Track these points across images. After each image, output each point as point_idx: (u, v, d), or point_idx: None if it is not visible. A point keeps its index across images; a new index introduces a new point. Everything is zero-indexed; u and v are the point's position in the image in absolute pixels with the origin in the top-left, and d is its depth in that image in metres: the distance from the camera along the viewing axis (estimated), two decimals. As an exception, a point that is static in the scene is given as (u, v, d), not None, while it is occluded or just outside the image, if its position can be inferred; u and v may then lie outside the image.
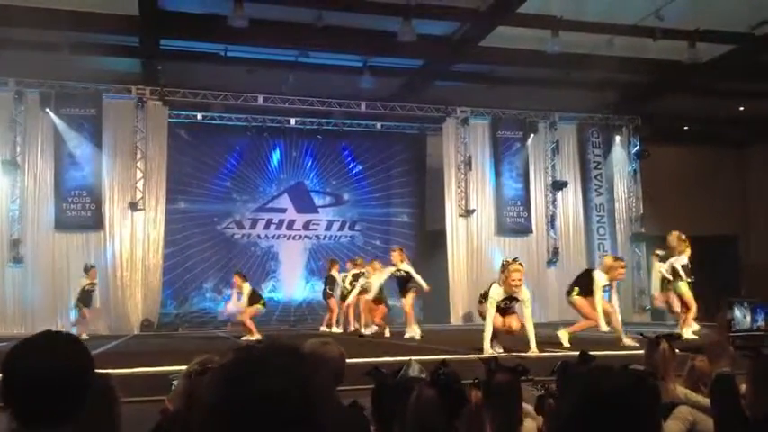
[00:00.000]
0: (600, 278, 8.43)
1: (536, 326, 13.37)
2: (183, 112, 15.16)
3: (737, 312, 1.85)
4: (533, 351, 7.26)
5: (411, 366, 2.22)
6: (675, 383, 3.41)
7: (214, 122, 15.61)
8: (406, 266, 11.11)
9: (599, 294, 8.28)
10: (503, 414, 2.46)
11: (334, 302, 13.02)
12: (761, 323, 1.79)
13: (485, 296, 7.64)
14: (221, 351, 3.06)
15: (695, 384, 3.33)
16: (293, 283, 16.36)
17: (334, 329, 12.66)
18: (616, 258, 9.18)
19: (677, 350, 3.76)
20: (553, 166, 16.49)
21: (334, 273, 13.15)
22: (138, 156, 14.14)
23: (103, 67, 13.46)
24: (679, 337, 4.17)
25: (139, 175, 14.11)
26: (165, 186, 14.35)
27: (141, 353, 8.69)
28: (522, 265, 7.52)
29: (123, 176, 14.07)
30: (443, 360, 2.27)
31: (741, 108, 16.72)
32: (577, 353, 2.92)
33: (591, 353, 2.71)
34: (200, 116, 15.36)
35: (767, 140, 17.92)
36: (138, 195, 14.04)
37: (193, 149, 15.81)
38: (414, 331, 10.87)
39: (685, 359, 3.70)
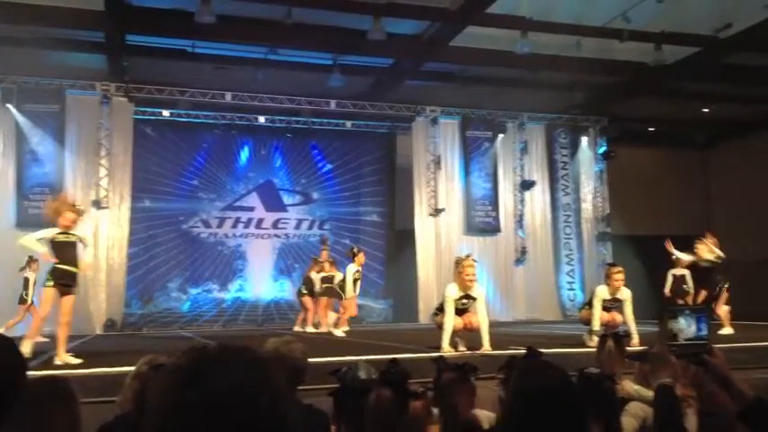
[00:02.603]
0: (599, 291, 8.41)
1: (504, 324, 13.53)
2: (149, 109, 14.93)
3: (682, 321, 1.87)
4: (486, 349, 7.29)
5: (360, 368, 2.19)
6: (624, 380, 3.47)
7: (181, 119, 15.40)
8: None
9: (597, 307, 8.21)
10: (450, 412, 2.45)
11: (309, 301, 12.90)
12: (704, 332, 1.81)
13: (440, 309, 7.67)
14: (169, 351, 3.00)
15: (646, 380, 3.36)
16: (261, 283, 16.24)
17: (309, 329, 12.57)
18: (609, 265, 9.05)
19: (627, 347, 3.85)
20: (521, 166, 16.61)
21: (313, 274, 13.05)
22: (103, 153, 13.91)
23: (67, 62, 13.19)
24: (627, 335, 4.25)
25: (103, 172, 13.87)
26: (129, 184, 14.13)
27: (103, 353, 8.52)
28: (475, 261, 7.60)
29: (87, 174, 13.82)
30: (393, 359, 2.25)
31: (705, 110, 17.00)
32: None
33: (539, 349, 2.71)
34: (166, 113, 15.14)
35: (730, 142, 18.27)
36: (102, 193, 13.81)
37: (159, 147, 15.60)
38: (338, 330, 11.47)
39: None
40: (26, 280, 11.14)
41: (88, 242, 8.16)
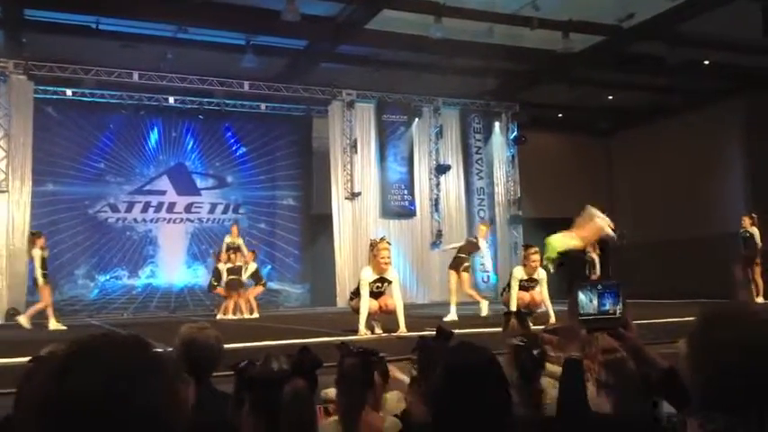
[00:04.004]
0: (515, 271, 8.64)
1: (420, 306, 13.74)
2: (51, 88, 14.20)
3: (582, 296, 1.96)
4: (402, 331, 7.40)
5: (272, 359, 2.17)
6: None
7: (85, 99, 14.72)
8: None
9: (514, 288, 8.43)
10: (349, 397, 2.48)
11: (222, 291, 13.03)
12: (608, 307, 1.90)
13: (356, 293, 7.72)
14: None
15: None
16: (174, 269, 15.85)
17: (230, 316, 12.62)
18: (525, 247, 9.22)
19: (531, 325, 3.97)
20: (437, 150, 16.83)
21: (221, 265, 13.07)
22: (1, 134, 13.15)
23: (-41, 36, 12.40)
24: (529, 314, 4.39)
25: (2, 154, 13.12)
26: (30, 167, 13.40)
27: (5, 342, 8.11)
28: (389, 244, 7.69)
29: (-17, 156, 13.05)
30: (304, 347, 2.25)
31: (610, 97, 17.71)
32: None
33: (448, 329, 2.77)
34: (69, 92, 14.44)
35: (632, 129, 19.12)
36: (1, 176, 13.06)
37: (62, 128, 14.90)
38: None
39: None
40: None
41: None
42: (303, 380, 2.11)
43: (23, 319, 10.92)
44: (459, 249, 10.99)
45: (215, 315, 12.76)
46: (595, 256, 14.12)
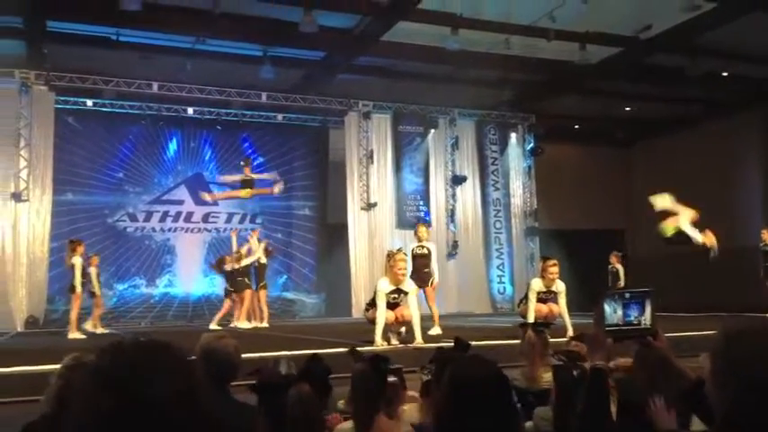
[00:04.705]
0: (533, 283, 8.58)
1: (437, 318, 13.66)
2: (72, 99, 14.39)
3: (607, 307, 1.95)
4: (419, 342, 7.38)
5: (281, 363, 2.19)
6: (546, 370, 3.52)
7: (105, 110, 14.90)
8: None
9: (532, 300, 8.37)
10: (361, 402, 2.47)
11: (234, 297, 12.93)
12: (633, 318, 1.89)
13: (371, 304, 7.71)
14: (94, 348, 2.93)
15: None
16: (191, 278, 15.92)
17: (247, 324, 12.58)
18: (543, 259, 9.05)
19: (549, 338, 3.92)
20: (453, 161, 16.83)
21: (227, 267, 13.12)
22: (22, 144, 13.33)
23: (-17, 48, 12.60)
24: (547, 325, 4.34)
25: (23, 163, 13.31)
26: (51, 176, 13.59)
27: (25, 351, 8.20)
28: (406, 255, 7.71)
29: (6, 165, 13.25)
30: (314, 354, 2.26)
31: (627, 108, 17.64)
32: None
33: (465, 340, 2.76)
34: (90, 103, 14.62)
35: (650, 140, 19.03)
36: (22, 185, 13.24)
37: (83, 138, 15.06)
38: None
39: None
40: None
41: None
42: (309, 385, 2.12)
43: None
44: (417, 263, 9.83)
45: (229, 323, 12.75)
46: (620, 267, 14.02)
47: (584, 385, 2.09)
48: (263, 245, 13.09)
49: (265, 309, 12.96)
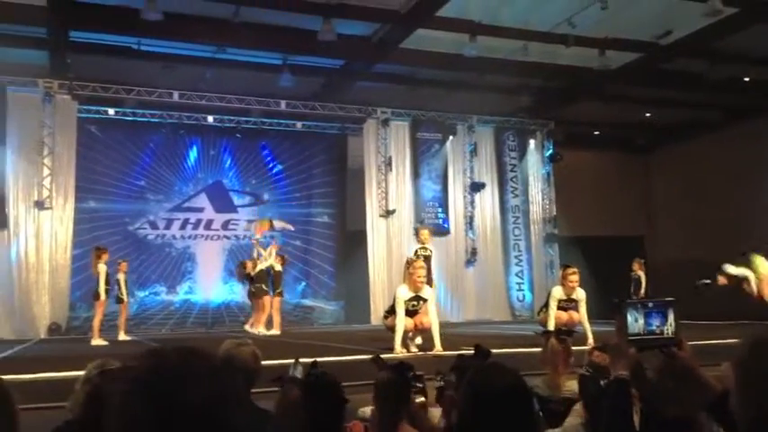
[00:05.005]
0: (554, 291, 8.55)
1: (455, 325, 13.66)
2: (94, 107, 14.58)
3: (629, 316, 1.93)
4: (438, 350, 7.36)
5: (296, 367, 2.20)
6: (568, 378, 3.50)
7: (127, 118, 15.09)
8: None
9: (552, 307, 8.34)
10: (385, 411, 2.47)
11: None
12: (655, 327, 1.87)
13: (390, 311, 7.73)
14: (123, 355, 2.96)
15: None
16: (211, 285, 16.02)
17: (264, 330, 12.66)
18: (564, 267, 9.04)
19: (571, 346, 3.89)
20: (471, 168, 16.80)
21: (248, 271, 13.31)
22: (45, 152, 13.52)
23: (8, 58, 12.78)
24: (569, 333, 4.31)
25: (46, 171, 13.48)
26: (73, 184, 13.76)
27: (49, 358, 8.30)
28: (429, 255, 7.72)
29: (29, 173, 13.41)
30: (314, 361, 2.27)
31: (647, 114, 17.52)
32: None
33: (486, 348, 2.76)
34: (111, 111, 14.81)
35: (670, 145, 18.87)
36: (45, 193, 13.42)
37: (105, 146, 15.25)
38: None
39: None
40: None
41: None
42: (299, 389, 2.12)
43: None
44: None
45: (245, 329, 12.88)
46: (642, 274, 13.91)
47: (607, 396, 2.08)
48: (270, 250, 13.23)
49: (276, 317, 12.97)
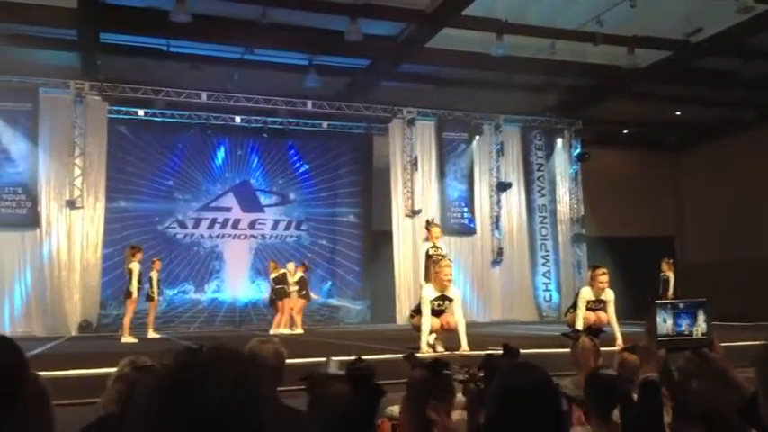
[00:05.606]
0: (583, 292, 8.48)
1: (481, 325, 13.61)
2: (124, 108, 14.79)
3: (658, 317, 1.91)
4: (464, 349, 7.34)
5: (330, 364, 2.20)
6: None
7: (156, 119, 15.27)
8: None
9: (581, 308, 8.26)
10: (418, 410, 2.46)
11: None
12: (684, 328, 1.84)
13: (416, 310, 7.72)
14: (153, 352, 3.00)
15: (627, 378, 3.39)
16: (238, 284, 16.16)
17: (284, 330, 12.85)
18: (593, 267, 8.89)
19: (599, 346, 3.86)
20: (498, 168, 16.71)
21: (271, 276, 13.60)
22: (77, 152, 13.74)
23: (40, 60, 13.05)
24: (597, 333, 4.28)
25: (78, 172, 13.71)
26: (104, 184, 13.98)
27: (77, 354, 8.43)
28: (451, 261, 7.69)
29: (61, 173, 13.64)
30: (358, 356, 2.26)
31: (677, 113, 17.28)
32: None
33: (515, 347, 2.73)
34: (141, 112, 15.01)
35: (701, 144, 18.60)
36: (77, 193, 13.64)
37: (134, 146, 15.46)
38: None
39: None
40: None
41: None
42: (349, 385, 2.12)
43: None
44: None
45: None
46: (670, 274, 13.71)
47: (640, 396, 2.06)
48: (296, 270, 13.69)
49: (297, 318, 13.32)
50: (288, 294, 13.19)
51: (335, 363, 2.27)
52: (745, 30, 11.94)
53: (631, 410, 2.25)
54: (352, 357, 2.28)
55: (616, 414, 2.93)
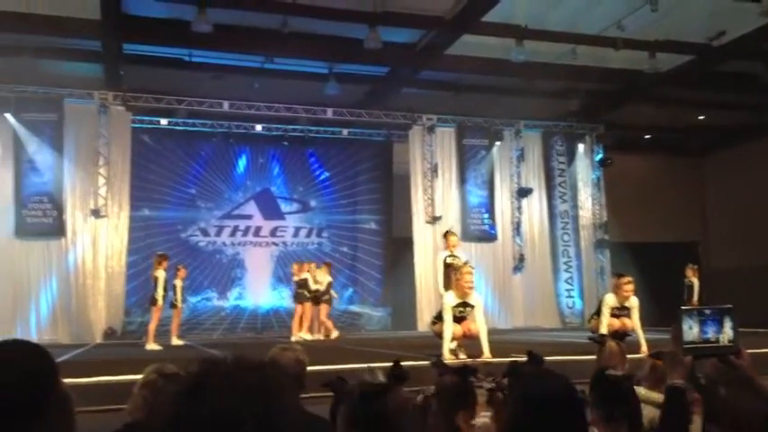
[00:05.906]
0: (607, 299, 8.40)
1: (503, 332, 13.55)
2: (147, 118, 14.97)
3: (684, 324, 1.89)
4: (487, 356, 7.31)
5: (374, 373, 2.20)
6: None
7: (178, 128, 15.44)
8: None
9: (605, 314, 8.18)
10: (447, 416, 2.46)
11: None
12: (710, 335, 1.83)
13: (438, 317, 7.71)
14: (179, 360, 3.03)
15: (657, 383, 3.35)
16: (260, 291, 16.26)
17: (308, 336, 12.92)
18: (617, 275, 8.83)
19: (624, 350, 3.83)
20: (518, 174, 16.64)
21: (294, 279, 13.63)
22: (101, 161, 13.93)
23: (65, 71, 13.25)
24: (622, 338, 4.25)
25: (102, 181, 13.89)
26: (128, 193, 14.15)
27: (106, 362, 8.52)
28: (473, 268, 7.66)
29: (85, 182, 13.83)
30: (396, 361, 2.27)
31: (700, 117, 17.10)
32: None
33: (539, 354, 2.73)
34: (164, 121, 15.18)
35: (725, 149, 18.37)
36: (101, 202, 13.82)
37: (157, 155, 15.63)
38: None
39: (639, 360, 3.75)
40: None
41: None
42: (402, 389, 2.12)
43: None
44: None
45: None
46: (695, 281, 13.57)
47: (666, 403, 2.05)
48: (321, 271, 13.69)
49: (328, 323, 13.41)
50: (307, 299, 13.17)
51: (380, 372, 2.27)
52: (768, 33, 11.80)
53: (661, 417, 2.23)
54: (375, 364, 2.28)
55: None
